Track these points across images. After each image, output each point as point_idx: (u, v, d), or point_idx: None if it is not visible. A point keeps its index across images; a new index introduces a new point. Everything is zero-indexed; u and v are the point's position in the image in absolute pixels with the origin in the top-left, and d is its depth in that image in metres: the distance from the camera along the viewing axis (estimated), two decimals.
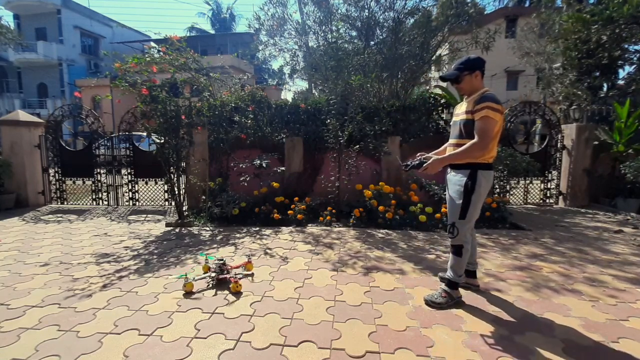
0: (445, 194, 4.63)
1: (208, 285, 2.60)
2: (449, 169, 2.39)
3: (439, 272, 2.83)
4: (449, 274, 2.34)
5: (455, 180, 2.27)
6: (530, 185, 6.05)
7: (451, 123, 2.51)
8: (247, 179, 5.05)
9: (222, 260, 2.75)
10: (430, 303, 2.30)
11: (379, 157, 5.24)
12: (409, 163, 2.35)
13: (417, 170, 2.30)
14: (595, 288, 2.60)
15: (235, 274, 2.73)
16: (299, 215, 4.52)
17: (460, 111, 2.31)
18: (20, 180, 5.77)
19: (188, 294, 2.48)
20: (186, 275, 2.56)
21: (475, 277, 2.55)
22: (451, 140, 2.37)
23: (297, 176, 5.40)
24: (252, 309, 2.25)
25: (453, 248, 2.29)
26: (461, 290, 2.42)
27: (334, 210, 4.66)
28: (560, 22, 7.93)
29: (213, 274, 2.65)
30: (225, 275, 2.65)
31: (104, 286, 2.61)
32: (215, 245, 3.66)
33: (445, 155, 2.25)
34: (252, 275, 2.82)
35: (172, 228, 4.43)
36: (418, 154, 2.44)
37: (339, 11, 7.29)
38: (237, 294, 2.47)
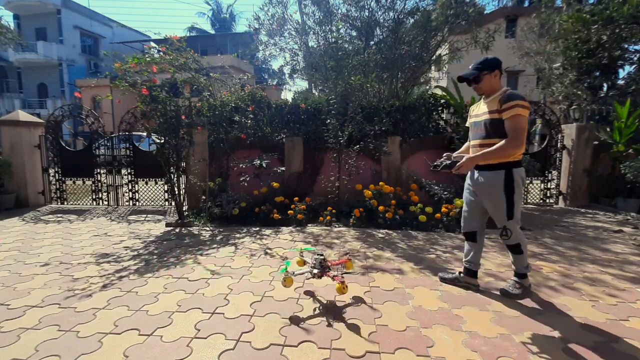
0: (445, 194, 4.67)
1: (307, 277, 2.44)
2: (475, 171, 2.38)
3: (438, 271, 2.83)
4: (516, 268, 2.43)
5: (489, 183, 2.27)
6: (530, 185, 6.06)
7: (469, 124, 2.51)
8: (247, 179, 5.05)
9: (322, 255, 2.48)
10: (508, 294, 2.38)
11: (379, 157, 5.24)
12: (438, 163, 2.36)
13: (447, 170, 2.31)
14: (595, 287, 2.60)
15: (342, 274, 2.48)
16: (299, 215, 4.52)
17: (482, 111, 2.31)
18: (20, 180, 5.78)
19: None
20: (286, 269, 2.41)
21: (476, 277, 2.55)
22: (474, 141, 2.36)
23: (297, 176, 5.40)
24: (252, 309, 2.25)
25: (511, 247, 2.36)
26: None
27: (334, 210, 4.66)
28: (560, 22, 7.92)
29: (315, 271, 2.38)
30: (330, 273, 2.41)
31: (104, 286, 2.61)
32: (215, 245, 3.66)
33: (477, 154, 2.23)
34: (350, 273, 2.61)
35: (172, 228, 4.44)
36: (444, 154, 2.45)
37: (339, 11, 7.30)
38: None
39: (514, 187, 2.20)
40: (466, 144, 2.57)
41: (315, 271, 2.38)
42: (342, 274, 2.45)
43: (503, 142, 2.13)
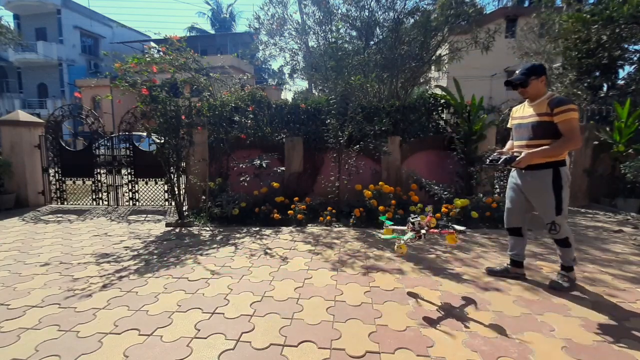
0: (445, 194, 4.67)
1: (414, 240, 2.47)
2: (521, 171, 2.51)
3: (439, 271, 2.86)
4: (563, 261, 2.53)
5: (538, 180, 2.40)
6: None
7: (511, 125, 2.66)
8: (247, 179, 5.05)
9: (417, 216, 2.55)
10: (557, 287, 2.50)
11: (379, 157, 5.24)
12: (496, 158, 2.46)
13: (504, 165, 2.42)
14: (595, 287, 2.60)
15: (449, 227, 2.57)
16: (299, 215, 4.52)
17: (528, 114, 2.46)
18: (20, 180, 5.78)
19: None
20: (401, 236, 2.50)
21: (522, 266, 2.75)
22: (520, 142, 2.51)
23: (297, 176, 5.40)
24: (252, 309, 2.25)
25: (559, 242, 2.45)
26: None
27: (334, 210, 4.66)
28: (560, 22, 7.91)
29: (423, 231, 2.46)
30: (435, 230, 2.53)
31: (104, 286, 2.61)
32: (215, 245, 3.66)
33: (537, 150, 2.35)
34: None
35: (172, 228, 4.44)
36: (497, 150, 2.57)
37: (339, 11, 7.30)
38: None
39: (562, 184, 2.34)
40: (509, 144, 2.72)
41: (423, 231, 2.46)
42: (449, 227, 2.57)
43: (560, 141, 2.28)
